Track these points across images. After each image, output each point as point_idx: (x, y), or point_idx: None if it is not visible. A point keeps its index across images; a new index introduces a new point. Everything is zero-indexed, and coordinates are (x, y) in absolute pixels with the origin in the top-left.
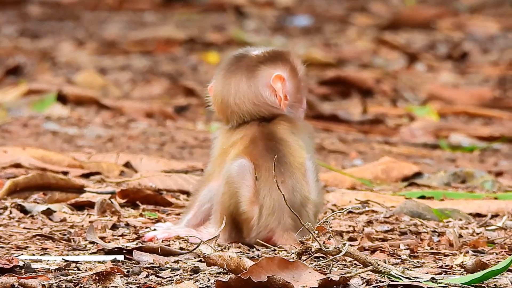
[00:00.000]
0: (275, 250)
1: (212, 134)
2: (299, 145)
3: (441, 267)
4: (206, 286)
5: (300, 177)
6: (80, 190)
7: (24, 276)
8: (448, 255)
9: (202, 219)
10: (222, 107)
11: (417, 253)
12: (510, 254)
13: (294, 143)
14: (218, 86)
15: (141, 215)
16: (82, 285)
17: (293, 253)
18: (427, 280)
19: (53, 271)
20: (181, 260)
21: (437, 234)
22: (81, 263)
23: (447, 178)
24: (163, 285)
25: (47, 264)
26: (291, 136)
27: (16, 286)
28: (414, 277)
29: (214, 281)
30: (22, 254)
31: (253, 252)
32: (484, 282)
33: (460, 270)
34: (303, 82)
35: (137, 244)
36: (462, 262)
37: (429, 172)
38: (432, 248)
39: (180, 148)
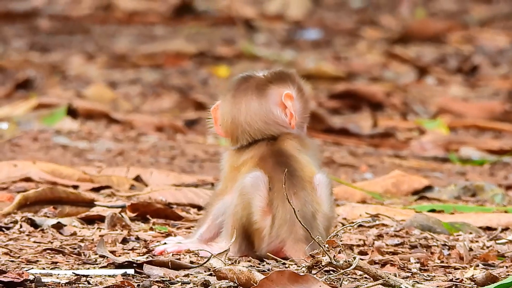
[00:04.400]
0: (285, 263)
1: (221, 157)
2: (307, 161)
3: (451, 280)
4: None
5: (311, 190)
6: (90, 204)
7: None
8: (459, 269)
9: (216, 233)
10: (232, 127)
11: (428, 266)
12: None
13: (302, 159)
14: (227, 106)
15: (151, 229)
16: None
17: (304, 266)
18: None
19: (63, 285)
20: (191, 274)
21: (447, 247)
22: (91, 277)
23: (457, 191)
24: None
25: (57, 278)
26: (299, 152)
27: None
28: None
29: None
30: (32, 268)
31: (263, 265)
32: None
33: (470, 284)
34: (308, 102)
35: (147, 258)
36: (473, 275)
37: (439, 185)
38: (442, 262)
39: (190, 161)
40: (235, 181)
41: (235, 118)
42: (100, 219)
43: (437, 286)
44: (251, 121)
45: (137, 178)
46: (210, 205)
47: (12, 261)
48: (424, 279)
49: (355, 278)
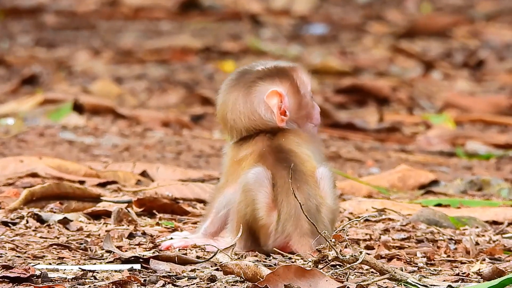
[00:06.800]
0: (291, 258)
1: (222, 150)
2: (307, 155)
3: (458, 274)
4: None
5: (313, 184)
6: (96, 199)
7: (40, 285)
8: (465, 263)
9: (219, 226)
10: (224, 122)
11: (434, 261)
12: None
13: (302, 154)
14: (220, 101)
15: (157, 224)
16: None
17: (310, 261)
18: None
19: (69, 280)
20: (198, 269)
21: (453, 241)
22: (98, 272)
23: (463, 186)
24: None
25: (63, 273)
26: (298, 147)
27: None
28: (431, 285)
29: None
30: (38, 263)
31: (269, 260)
32: None
33: (477, 278)
34: (307, 98)
35: (153, 253)
36: (479, 269)
37: (445, 180)
38: (448, 256)
39: (197, 157)
40: (236, 174)
41: (224, 113)
42: (107, 214)
43: (444, 280)
44: (236, 118)
45: (143, 173)
46: (212, 199)
47: (18, 256)
48: (431, 273)
49: (362, 273)
